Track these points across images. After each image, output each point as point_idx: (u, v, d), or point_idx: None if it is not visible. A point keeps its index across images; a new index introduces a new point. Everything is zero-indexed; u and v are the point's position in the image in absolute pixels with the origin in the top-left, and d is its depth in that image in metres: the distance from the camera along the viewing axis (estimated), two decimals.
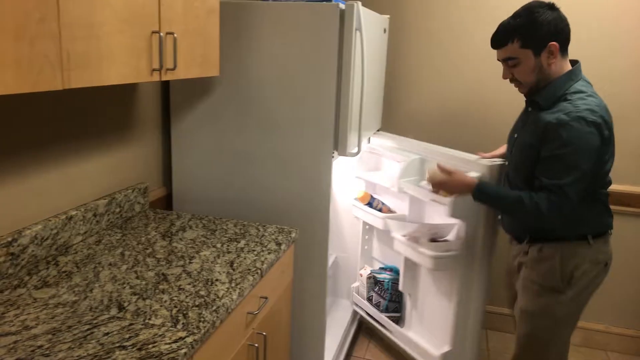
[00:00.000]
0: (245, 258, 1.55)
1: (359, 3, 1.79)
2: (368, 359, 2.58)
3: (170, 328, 1.15)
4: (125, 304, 1.24)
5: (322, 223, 1.96)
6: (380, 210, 2.41)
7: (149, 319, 1.18)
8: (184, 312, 1.22)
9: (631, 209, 2.59)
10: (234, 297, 1.31)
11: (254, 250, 1.61)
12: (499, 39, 1.65)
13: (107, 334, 1.11)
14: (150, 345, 1.08)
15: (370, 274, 2.55)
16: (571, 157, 1.52)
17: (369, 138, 2.53)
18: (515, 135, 1.76)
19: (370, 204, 2.43)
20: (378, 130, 2.63)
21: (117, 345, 1.07)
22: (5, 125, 1.35)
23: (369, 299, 2.55)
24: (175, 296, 1.30)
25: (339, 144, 1.91)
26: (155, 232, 1.74)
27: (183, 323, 1.17)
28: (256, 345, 1.51)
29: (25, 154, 1.43)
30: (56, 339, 1.08)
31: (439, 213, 2.15)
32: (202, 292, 1.32)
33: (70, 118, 1.58)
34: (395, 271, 2.53)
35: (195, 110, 2.01)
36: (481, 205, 1.84)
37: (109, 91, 1.74)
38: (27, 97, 1.41)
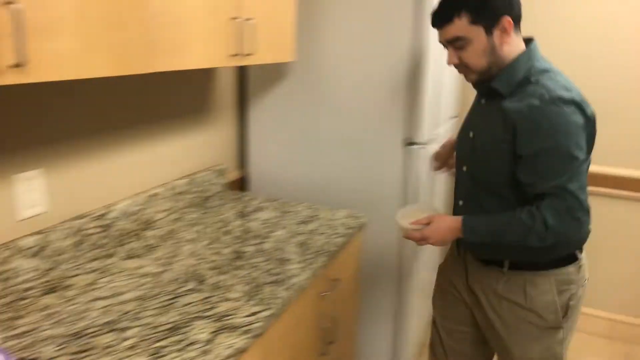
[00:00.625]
0: (316, 240, 1.58)
1: None
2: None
3: (246, 302, 1.20)
4: (204, 278, 1.31)
5: (392, 210, 1.96)
6: None
7: (226, 293, 1.24)
8: (259, 288, 1.27)
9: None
10: (306, 276, 1.35)
11: (324, 233, 1.64)
12: (443, 14, 1.30)
13: (187, 304, 1.18)
14: (227, 318, 1.13)
15: None
16: (561, 146, 1.21)
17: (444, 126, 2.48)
18: (472, 135, 1.41)
19: None
20: (455, 117, 2.57)
21: (197, 315, 1.14)
22: (99, 107, 1.46)
23: None
24: (251, 273, 1.35)
25: (411, 132, 1.89)
26: (232, 211, 1.81)
27: (258, 298, 1.22)
28: (328, 325, 1.54)
29: (115, 135, 1.53)
30: (143, 306, 1.16)
31: None
32: (275, 270, 1.37)
33: (154, 103, 1.67)
34: None
35: (271, 95, 2.06)
36: None
37: (189, 77, 1.82)
38: (115, 82, 1.50)
